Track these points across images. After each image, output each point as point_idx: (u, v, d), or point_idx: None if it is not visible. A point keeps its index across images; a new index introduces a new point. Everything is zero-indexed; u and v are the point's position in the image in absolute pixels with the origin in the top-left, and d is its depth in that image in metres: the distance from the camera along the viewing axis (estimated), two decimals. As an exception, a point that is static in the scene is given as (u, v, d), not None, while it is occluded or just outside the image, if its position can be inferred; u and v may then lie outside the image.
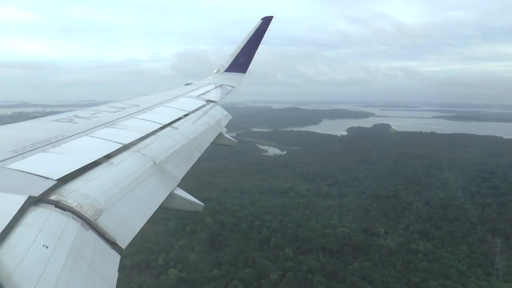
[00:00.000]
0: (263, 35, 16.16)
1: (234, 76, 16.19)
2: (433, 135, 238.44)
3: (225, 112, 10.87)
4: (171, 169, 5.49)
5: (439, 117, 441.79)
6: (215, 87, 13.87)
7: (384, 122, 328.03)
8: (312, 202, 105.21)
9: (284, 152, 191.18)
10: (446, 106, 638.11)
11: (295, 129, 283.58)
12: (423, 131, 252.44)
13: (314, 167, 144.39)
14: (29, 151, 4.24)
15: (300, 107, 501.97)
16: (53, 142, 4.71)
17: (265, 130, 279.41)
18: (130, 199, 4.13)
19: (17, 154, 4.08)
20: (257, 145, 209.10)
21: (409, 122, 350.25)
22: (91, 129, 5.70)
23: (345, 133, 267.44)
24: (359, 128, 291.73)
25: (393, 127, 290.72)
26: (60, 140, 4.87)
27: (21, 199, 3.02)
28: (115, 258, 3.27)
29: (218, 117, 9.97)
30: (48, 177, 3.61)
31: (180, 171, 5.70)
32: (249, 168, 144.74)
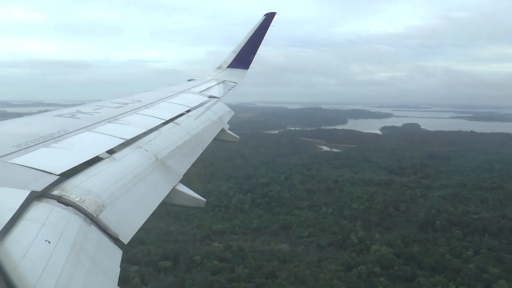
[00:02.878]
0: (266, 32, 16.14)
1: (237, 72, 16.18)
2: (474, 134, 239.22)
3: (228, 108, 10.85)
4: (173, 164, 5.49)
5: (458, 117, 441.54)
6: (218, 83, 13.85)
7: (412, 122, 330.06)
8: (428, 192, 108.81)
9: (341, 150, 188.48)
10: (457, 107, 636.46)
11: (339, 127, 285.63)
12: (462, 130, 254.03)
13: (393, 162, 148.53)
14: (32, 146, 4.24)
15: (323, 107, 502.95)
16: (55, 137, 4.71)
17: (299, 128, 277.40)
18: (132, 195, 4.13)
19: (19, 149, 4.09)
20: (315, 144, 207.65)
21: (434, 122, 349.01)
22: (93, 124, 5.70)
23: (379, 132, 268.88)
24: (392, 127, 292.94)
25: (422, 127, 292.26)
26: (63, 135, 4.87)
27: (24, 194, 3.02)
28: (117, 253, 3.28)
29: (221, 113, 9.95)
30: (50, 172, 3.61)
31: (183, 167, 5.70)
32: (334, 163, 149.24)
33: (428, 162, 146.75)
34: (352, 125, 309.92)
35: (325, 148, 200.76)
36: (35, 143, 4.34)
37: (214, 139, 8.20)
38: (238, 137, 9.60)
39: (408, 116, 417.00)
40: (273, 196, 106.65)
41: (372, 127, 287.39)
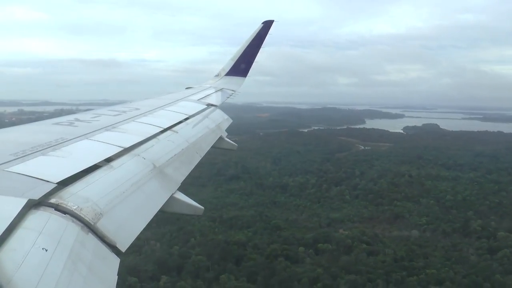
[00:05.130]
0: (264, 39, 16.27)
1: (235, 80, 16.27)
2: (502, 134, 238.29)
3: (226, 116, 10.88)
4: (171, 172, 5.49)
5: (470, 118, 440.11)
6: (216, 91, 13.92)
7: (430, 123, 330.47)
8: (505, 187, 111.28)
9: (383, 148, 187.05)
10: (463, 108, 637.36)
11: (363, 127, 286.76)
12: (489, 130, 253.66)
13: (446, 159, 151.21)
14: (30, 154, 4.24)
15: (337, 107, 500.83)
16: (53, 145, 4.71)
17: (325, 127, 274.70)
18: (130, 203, 4.13)
19: (17, 157, 4.09)
20: (355, 143, 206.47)
21: (450, 123, 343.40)
22: (91, 132, 5.70)
23: (402, 131, 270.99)
24: (414, 127, 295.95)
25: (441, 127, 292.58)
26: (61, 143, 4.87)
27: (21, 202, 3.02)
28: (115, 261, 3.27)
29: (219, 120, 9.97)
30: (48, 180, 3.61)
31: (181, 175, 5.70)
32: (392, 159, 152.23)
33: (481, 160, 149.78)
34: (372, 124, 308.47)
35: (362, 146, 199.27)
36: (33, 151, 4.34)
37: (212, 146, 8.21)
38: (236, 145, 9.63)
39: (420, 117, 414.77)
40: (365, 189, 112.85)
41: (393, 126, 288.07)
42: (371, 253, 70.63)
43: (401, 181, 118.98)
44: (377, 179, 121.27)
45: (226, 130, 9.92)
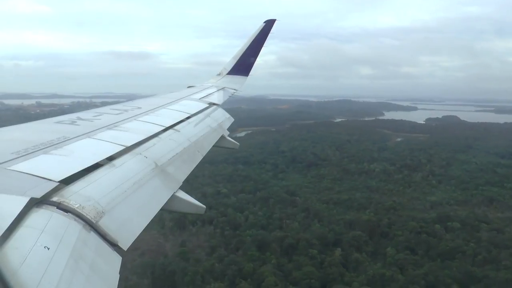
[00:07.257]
0: (266, 38, 16.21)
1: (237, 78, 16.22)
2: None
3: (227, 115, 10.86)
4: (173, 171, 5.49)
5: (484, 111, 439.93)
6: (218, 90, 13.90)
7: (448, 115, 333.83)
8: None
9: (422, 139, 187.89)
10: (472, 101, 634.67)
11: (389, 118, 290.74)
12: None
13: (496, 149, 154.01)
14: (32, 152, 4.25)
15: (353, 99, 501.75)
16: (55, 144, 4.72)
17: (350, 119, 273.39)
18: (132, 201, 4.13)
19: (19, 155, 4.09)
20: (392, 134, 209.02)
21: (466, 115, 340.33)
22: (93, 131, 5.71)
23: (424, 122, 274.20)
24: (436, 119, 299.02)
25: (462, 119, 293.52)
26: (63, 142, 4.88)
27: (23, 201, 3.02)
28: (117, 259, 3.27)
29: (221, 119, 9.96)
30: (50, 178, 3.62)
31: (182, 174, 5.69)
32: (444, 149, 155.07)
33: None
34: (393, 116, 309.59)
35: (399, 137, 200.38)
36: (35, 150, 4.34)
37: (214, 145, 8.21)
38: (238, 143, 9.62)
39: (434, 109, 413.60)
40: (443, 175, 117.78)
41: (415, 118, 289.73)
42: (497, 231, 73.27)
43: (471, 168, 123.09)
44: (447, 166, 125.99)
45: (231, 127, 9.92)
